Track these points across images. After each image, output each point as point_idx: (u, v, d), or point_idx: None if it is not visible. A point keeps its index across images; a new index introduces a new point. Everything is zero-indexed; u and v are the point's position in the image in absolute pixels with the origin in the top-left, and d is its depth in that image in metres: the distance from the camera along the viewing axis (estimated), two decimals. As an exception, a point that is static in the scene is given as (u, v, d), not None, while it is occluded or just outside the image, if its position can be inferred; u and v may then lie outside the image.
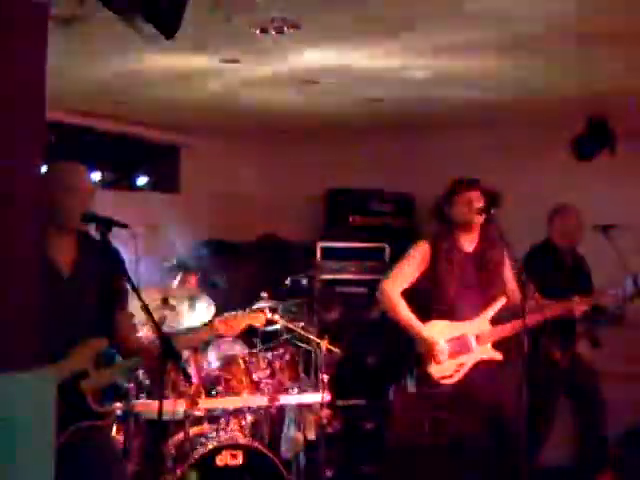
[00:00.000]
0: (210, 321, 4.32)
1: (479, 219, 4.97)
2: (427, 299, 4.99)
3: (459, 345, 4.96)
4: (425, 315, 4.95)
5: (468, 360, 4.97)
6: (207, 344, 5.40)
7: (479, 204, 4.92)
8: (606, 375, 6.06)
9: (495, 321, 5.03)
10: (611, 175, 6.53)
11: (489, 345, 5.03)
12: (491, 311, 5.01)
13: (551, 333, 5.49)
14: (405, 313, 4.95)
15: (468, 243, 5.05)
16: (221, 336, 4.32)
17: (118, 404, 4.78)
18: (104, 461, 3.74)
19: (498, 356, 5.02)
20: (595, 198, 6.32)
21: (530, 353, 4.53)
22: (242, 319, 4.24)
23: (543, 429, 5.93)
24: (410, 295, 5.01)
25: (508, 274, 5.09)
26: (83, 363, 3.61)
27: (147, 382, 5.07)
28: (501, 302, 5.01)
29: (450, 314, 4.96)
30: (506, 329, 5.01)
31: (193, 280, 6.06)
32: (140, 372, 4.99)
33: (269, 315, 5.43)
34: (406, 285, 5.01)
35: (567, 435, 6.24)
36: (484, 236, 5.05)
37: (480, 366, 4.98)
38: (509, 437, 4.82)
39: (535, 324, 4.92)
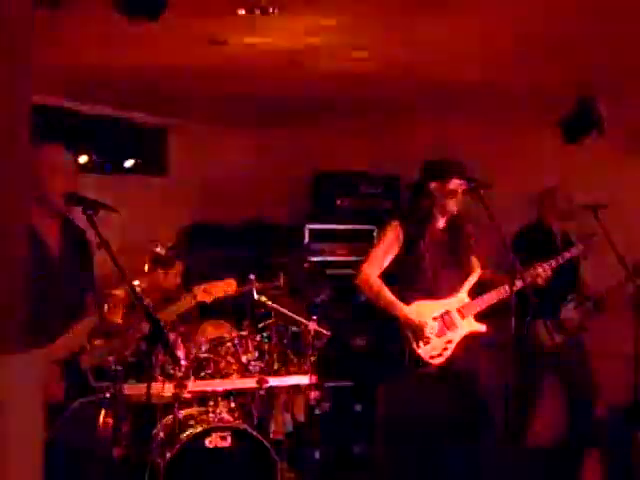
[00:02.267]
0: (190, 289, 4.37)
1: (457, 204, 5.01)
2: (405, 279, 5.00)
3: (445, 322, 4.98)
4: (402, 295, 4.96)
5: (455, 336, 5.00)
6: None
7: (461, 190, 4.97)
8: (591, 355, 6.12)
9: (474, 294, 5.08)
10: (599, 156, 6.53)
11: (472, 318, 5.06)
12: (469, 284, 5.06)
13: (536, 313, 5.50)
14: (388, 297, 4.94)
15: (441, 221, 5.08)
16: (201, 302, 4.40)
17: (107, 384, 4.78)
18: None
19: (482, 328, 5.06)
20: (584, 179, 6.32)
21: (516, 333, 4.55)
22: (217, 287, 4.52)
23: (529, 409, 5.95)
24: (386, 276, 5.02)
25: (477, 248, 5.15)
26: (80, 341, 3.65)
27: (135, 365, 5.06)
28: (477, 274, 5.07)
29: (430, 292, 4.98)
30: (486, 300, 5.05)
31: (180, 268, 6.03)
32: (128, 355, 4.99)
33: (256, 297, 5.46)
34: (384, 267, 5.02)
35: (556, 416, 6.28)
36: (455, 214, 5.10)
37: (464, 341, 5.02)
38: (490, 410, 4.88)
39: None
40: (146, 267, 5.79)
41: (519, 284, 4.86)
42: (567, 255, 5.44)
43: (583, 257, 5.82)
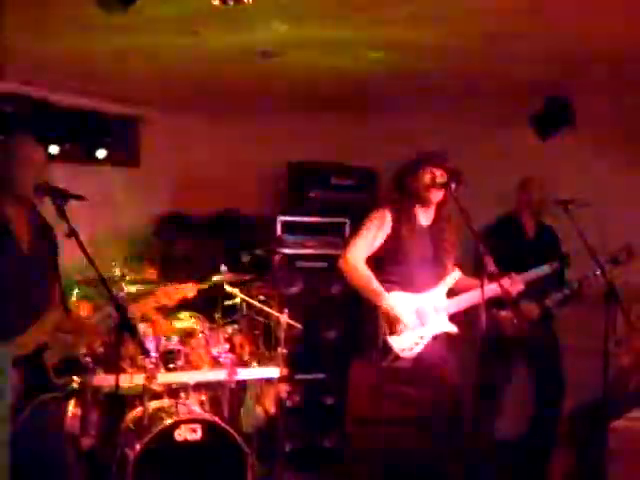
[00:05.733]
0: (153, 292, 4.33)
1: (438, 196, 5.00)
2: (383, 268, 4.99)
3: (419, 318, 4.97)
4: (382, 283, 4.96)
5: (427, 333, 4.99)
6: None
7: (441, 180, 4.95)
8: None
9: (450, 294, 5.08)
10: (572, 152, 6.55)
11: (446, 318, 5.06)
12: (446, 284, 5.05)
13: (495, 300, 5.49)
14: (376, 285, 4.91)
15: (425, 217, 5.09)
16: (163, 306, 4.36)
17: (76, 377, 4.74)
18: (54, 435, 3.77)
19: (454, 328, 5.06)
20: (556, 174, 6.35)
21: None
22: (177, 291, 4.34)
23: (496, 401, 5.96)
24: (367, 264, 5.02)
25: (458, 255, 5.16)
26: (44, 337, 3.61)
27: (104, 356, 5.03)
28: (455, 275, 5.06)
29: (406, 285, 4.97)
30: (462, 302, 5.05)
31: (154, 272, 6.02)
32: (96, 346, 4.96)
33: (227, 289, 5.45)
34: (369, 253, 5.00)
35: (525, 408, 6.30)
36: (440, 213, 5.09)
37: (435, 338, 5.02)
38: (459, 407, 4.90)
39: (492, 297, 4.95)
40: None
41: (494, 291, 4.87)
42: (540, 273, 5.56)
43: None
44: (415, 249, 4.99)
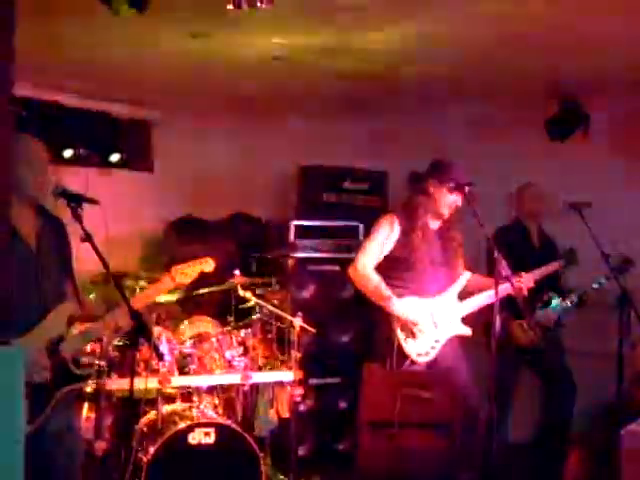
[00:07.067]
0: (168, 272, 4.34)
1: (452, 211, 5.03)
2: (394, 274, 4.99)
3: (433, 321, 4.98)
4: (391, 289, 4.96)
5: (442, 336, 4.99)
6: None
7: (460, 202, 4.98)
8: (570, 353, 6.13)
9: (462, 297, 5.09)
10: (584, 155, 6.54)
11: (459, 321, 5.06)
12: (458, 287, 5.06)
13: (510, 309, 5.48)
14: (386, 291, 4.92)
15: (433, 221, 5.09)
16: (180, 285, 4.36)
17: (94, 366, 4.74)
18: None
19: (468, 331, 5.06)
20: (568, 177, 6.34)
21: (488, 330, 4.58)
22: (194, 266, 4.40)
23: (506, 406, 5.95)
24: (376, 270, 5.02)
25: (462, 254, 5.19)
26: (58, 329, 3.65)
27: (119, 360, 5.04)
28: (466, 277, 5.07)
29: (419, 290, 4.98)
30: (475, 303, 5.05)
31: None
32: (110, 348, 4.97)
33: (241, 292, 5.45)
34: (379, 259, 5.01)
35: (536, 412, 6.29)
36: (448, 217, 5.09)
37: (449, 341, 5.02)
38: (474, 410, 4.89)
39: (504, 295, 4.94)
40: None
41: (508, 291, 4.87)
42: (550, 269, 5.65)
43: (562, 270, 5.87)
44: (425, 253, 4.99)
